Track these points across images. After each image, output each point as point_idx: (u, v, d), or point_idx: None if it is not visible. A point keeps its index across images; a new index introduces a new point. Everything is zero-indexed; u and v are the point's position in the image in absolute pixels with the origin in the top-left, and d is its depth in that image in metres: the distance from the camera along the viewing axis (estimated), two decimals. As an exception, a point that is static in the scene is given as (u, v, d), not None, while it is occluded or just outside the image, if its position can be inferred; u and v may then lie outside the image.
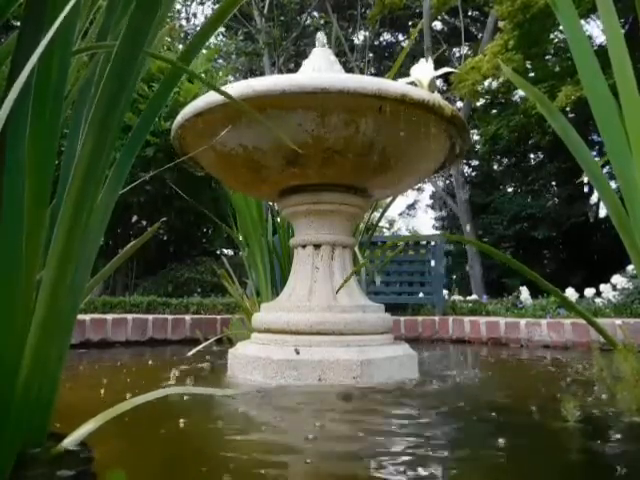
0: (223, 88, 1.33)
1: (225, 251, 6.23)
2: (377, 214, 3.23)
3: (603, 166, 1.14)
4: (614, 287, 3.78)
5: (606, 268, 5.59)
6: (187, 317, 2.87)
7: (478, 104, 11.54)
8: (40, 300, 0.63)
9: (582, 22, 1.08)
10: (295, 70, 2.21)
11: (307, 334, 1.43)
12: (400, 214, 21.23)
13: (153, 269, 5.21)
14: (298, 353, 1.38)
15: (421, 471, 0.68)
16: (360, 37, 15.40)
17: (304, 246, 1.61)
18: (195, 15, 15.09)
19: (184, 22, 14.48)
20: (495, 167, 14.66)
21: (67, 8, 0.48)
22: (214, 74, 5.43)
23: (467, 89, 9.62)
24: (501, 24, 9.10)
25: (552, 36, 9.36)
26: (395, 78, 1.62)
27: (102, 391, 1.23)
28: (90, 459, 0.68)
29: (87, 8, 0.76)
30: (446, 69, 1.73)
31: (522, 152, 13.33)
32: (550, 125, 1.16)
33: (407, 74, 1.66)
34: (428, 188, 18.56)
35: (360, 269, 2.44)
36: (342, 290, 1.52)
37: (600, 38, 11.10)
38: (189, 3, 14.77)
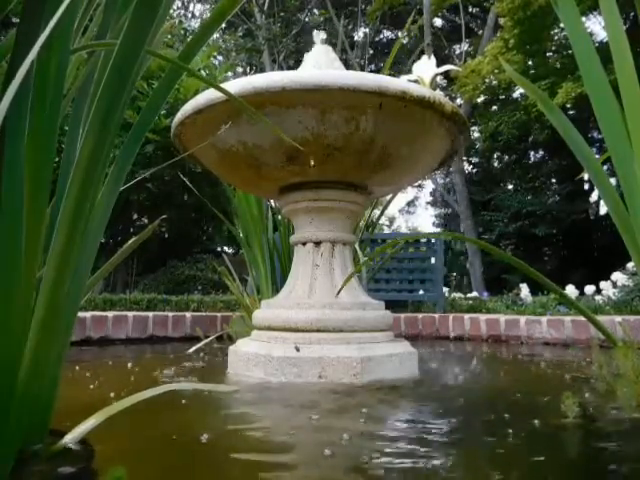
0: (223, 85, 1.33)
1: (225, 249, 6.23)
2: (377, 211, 3.23)
3: (603, 163, 1.14)
4: (614, 284, 3.78)
5: (606, 265, 5.60)
6: (188, 314, 2.88)
7: (479, 100, 11.54)
8: (40, 299, 0.63)
9: (583, 19, 1.08)
10: (296, 66, 2.21)
11: (307, 331, 1.43)
12: (400, 211, 21.23)
13: (153, 267, 5.22)
14: (298, 350, 1.38)
15: (420, 466, 0.68)
16: (360, 34, 15.37)
17: (304, 243, 1.61)
18: (194, 14, 15.06)
19: (184, 19, 14.44)
20: (495, 164, 14.64)
21: (64, 4, 0.48)
22: (214, 71, 5.42)
23: (469, 94, 9.71)
24: (502, 21, 9.09)
25: (552, 33, 9.34)
26: (394, 74, 1.62)
27: (102, 388, 1.23)
28: (91, 456, 0.68)
29: (86, 5, 0.76)
30: (448, 66, 1.73)
31: (522, 149, 13.31)
32: (550, 120, 1.16)
33: (409, 71, 1.66)
34: (428, 185, 18.55)
35: (361, 268, 2.44)
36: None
37: (601, 35, 11.06)
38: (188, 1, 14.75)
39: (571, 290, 4.02)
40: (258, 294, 2.53)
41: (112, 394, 1.07)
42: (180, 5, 14.57)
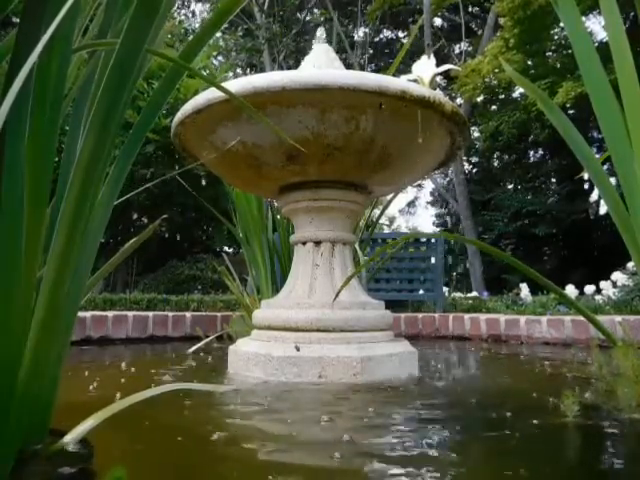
0: (222, 85, 1.33)
1: (226, 248, 6.23)
2: (377, 211, 3.22)
3: (603, 163, 1.14)
4: (614, 284, 3.77)
5: (606, 265, 5.59)
6: (187, 314, 2.88)
7: (479, 99, 11.53)
8: (40, 299, 0.63)
9: (583, 18, 1.08)
10: (296, 66, 2.21)
11: (307, 331, 1.43)
12: (400, 211, 21.21)
13: (153, 266, 5.21)
14: (298, 350, 1.38)
15: (421, 466, 0.68)
16: (360, 34, 15.36)
17: (304, 243, 1.61)
18: (194, 13, 15.05)
19: (183, 17, 14.42)
20: (495, 164, 14.63)
21: (67, 5, 0.48)
22: (213, 70, 5.42)
23: (469, 93, 9.72)
24: (502, 20, 9.09)
25: (552, 32, 9.33)
26: (395, 75, 1.62)
27: (102, 388, 1.23)
28: (91, 455, 0.68)
29: (87, 5, 0.76)
30: (448, 66, 1.73)
31: (522, 149, 13.30)
32: (550, 119, 1.16)
33: (408, 71, 1.66)
34: (428, 185, 18.53)
35: (361, 269, 2.44)
36: (342, 287, 1.52)
37: (601, 34, 11.06)
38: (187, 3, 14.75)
39: (571, 290, 4.01)
40: (258, 294, 2.53)
41: (112, 394, 1.07)
42: (181, 5, 14.55)
